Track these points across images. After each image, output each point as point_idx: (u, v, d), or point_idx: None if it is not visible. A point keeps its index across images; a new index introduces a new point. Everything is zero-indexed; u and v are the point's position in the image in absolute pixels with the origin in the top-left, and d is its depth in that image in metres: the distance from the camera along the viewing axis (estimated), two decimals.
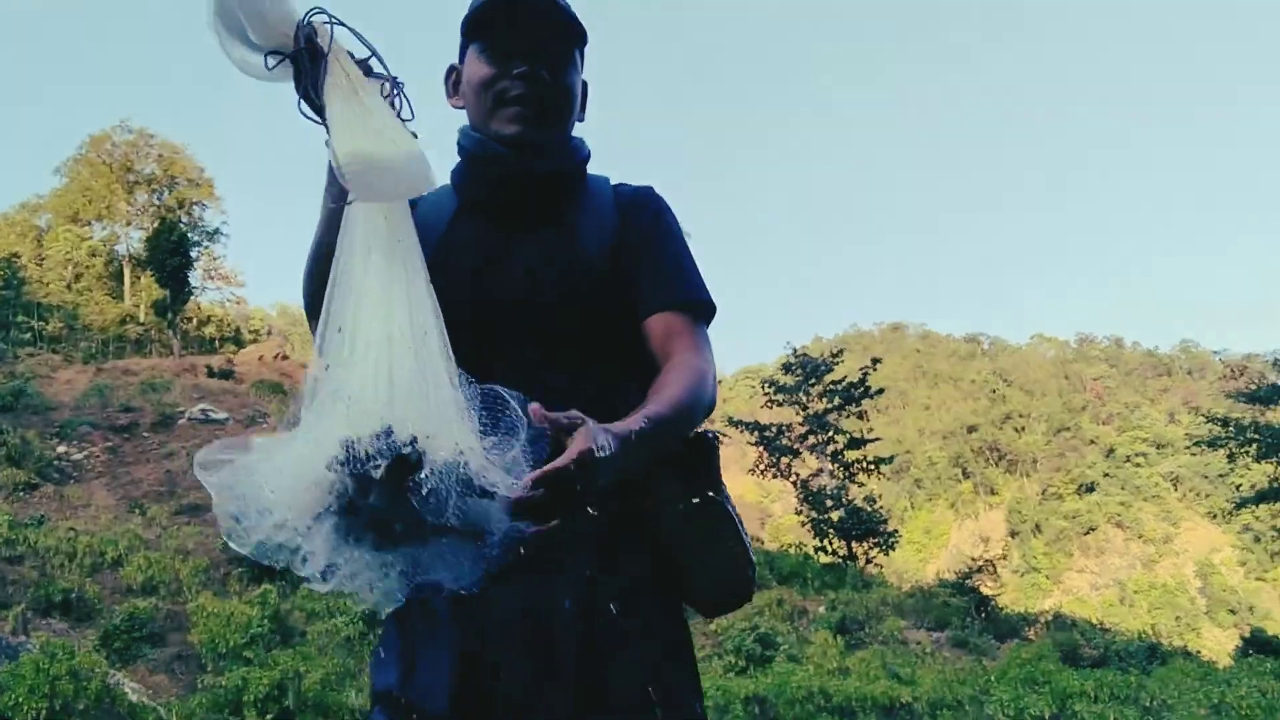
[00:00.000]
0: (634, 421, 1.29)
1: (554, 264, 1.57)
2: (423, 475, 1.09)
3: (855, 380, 28.45)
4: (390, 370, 1.18)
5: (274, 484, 1.14)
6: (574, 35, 1.64)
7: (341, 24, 1.31)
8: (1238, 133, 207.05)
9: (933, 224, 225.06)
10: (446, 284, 1.36)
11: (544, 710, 1.38)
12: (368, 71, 1.34)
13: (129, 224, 51.68)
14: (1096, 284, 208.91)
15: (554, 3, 1.60)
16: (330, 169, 1.32)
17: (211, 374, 31.48)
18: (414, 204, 1.50)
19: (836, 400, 28.53)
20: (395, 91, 1.35)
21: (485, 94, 1.60)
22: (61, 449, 20.90)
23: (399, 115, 1.33)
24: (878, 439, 30.85)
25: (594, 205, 1.67)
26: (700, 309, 1.63)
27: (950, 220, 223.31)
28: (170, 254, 39.33)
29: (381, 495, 1.09)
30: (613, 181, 1.75)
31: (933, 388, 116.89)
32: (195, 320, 51.45)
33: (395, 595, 1.23)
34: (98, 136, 50.42)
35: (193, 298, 46.34)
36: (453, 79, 1.72)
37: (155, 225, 43.91)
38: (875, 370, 29.00)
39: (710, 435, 1.59)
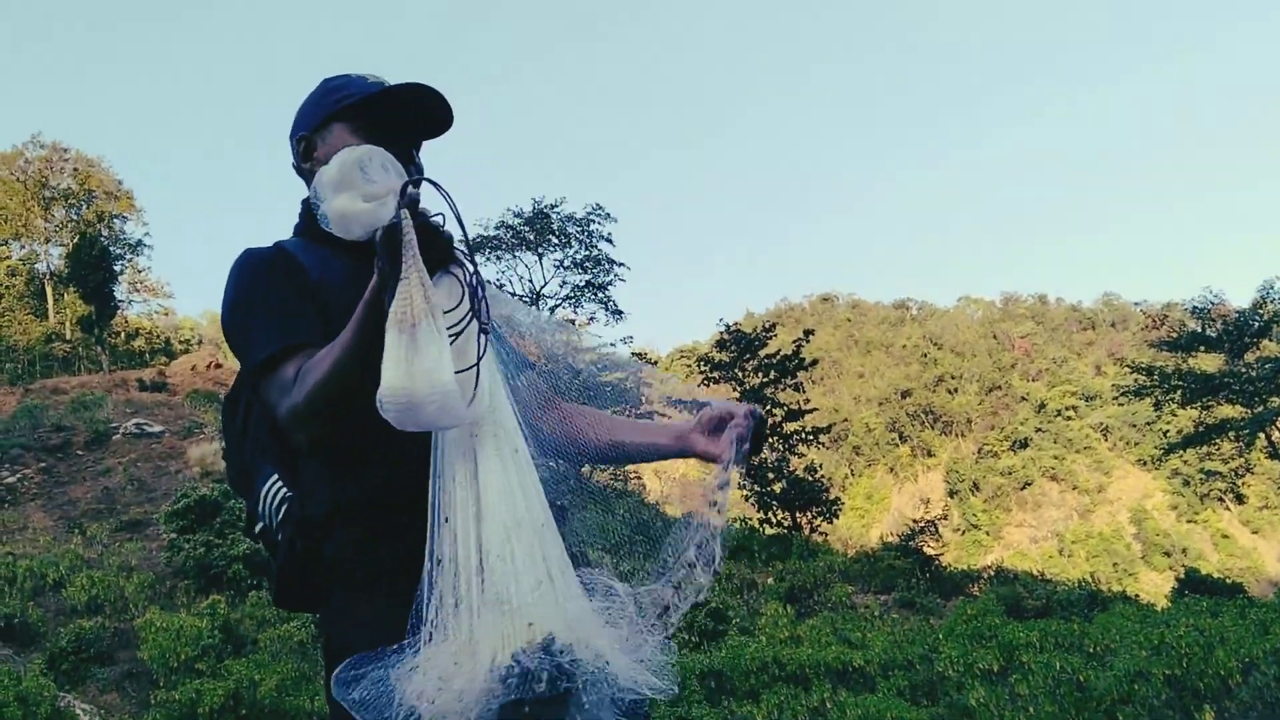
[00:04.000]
0: None
1: None
2: (578, 686, 1.25)
3: (789, 353, 28.73)
4: (520, 570, 1.34)
5: (434, 695, 1.25)
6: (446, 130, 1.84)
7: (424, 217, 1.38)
8: (1149, 84, 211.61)
9: (856, 194, 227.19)
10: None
11: None
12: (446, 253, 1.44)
13: (48, 241, 50.30)
14: (1019, 243, 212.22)
15: (446, 108, 1.80)
16: (369, 300, 1.39)
17: (144, 387, 30.91)
18: (299, 268, 1.66)
19: (772, 374, 28.79)
20: (473, 284, 1.46)
21: None
22: None
23: (472, 309, 1.45)
24: (815, 409, 31.18)
25: None
26: None
27: (874, 189, 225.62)
28: (93, 269, 38.49)
29: (543, 706, 1.24)
30: None
31: (865, 355, 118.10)
32: (123, 334, 50.27)
33: None
34: (9, 153, 48.92)
35: (119, 312, 45.35)
36: (303, 147, 1.82)
37: (75, 240, 42.84)
38: (808, 342, 29.35)
39: None
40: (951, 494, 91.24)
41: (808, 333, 29.95)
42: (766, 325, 31.05)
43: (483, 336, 1.44)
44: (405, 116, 1.78)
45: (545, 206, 30.61)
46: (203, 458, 21.32)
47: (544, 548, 1.39)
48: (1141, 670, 8.08)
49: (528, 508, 1.40)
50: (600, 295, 29.72)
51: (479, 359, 1.43)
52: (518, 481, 1.42)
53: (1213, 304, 29.92)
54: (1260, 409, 26.22)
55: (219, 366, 37.99)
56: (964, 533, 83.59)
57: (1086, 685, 7.97)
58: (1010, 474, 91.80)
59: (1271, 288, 28.38)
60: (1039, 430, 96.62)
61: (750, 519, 26.45)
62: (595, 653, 1.29)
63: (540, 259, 31.31)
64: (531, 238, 30.89)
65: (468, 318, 1.43)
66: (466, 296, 1.45)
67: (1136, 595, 21.84)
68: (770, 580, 18.44)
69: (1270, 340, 30.44)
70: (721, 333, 30.48)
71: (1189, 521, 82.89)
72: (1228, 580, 22.57)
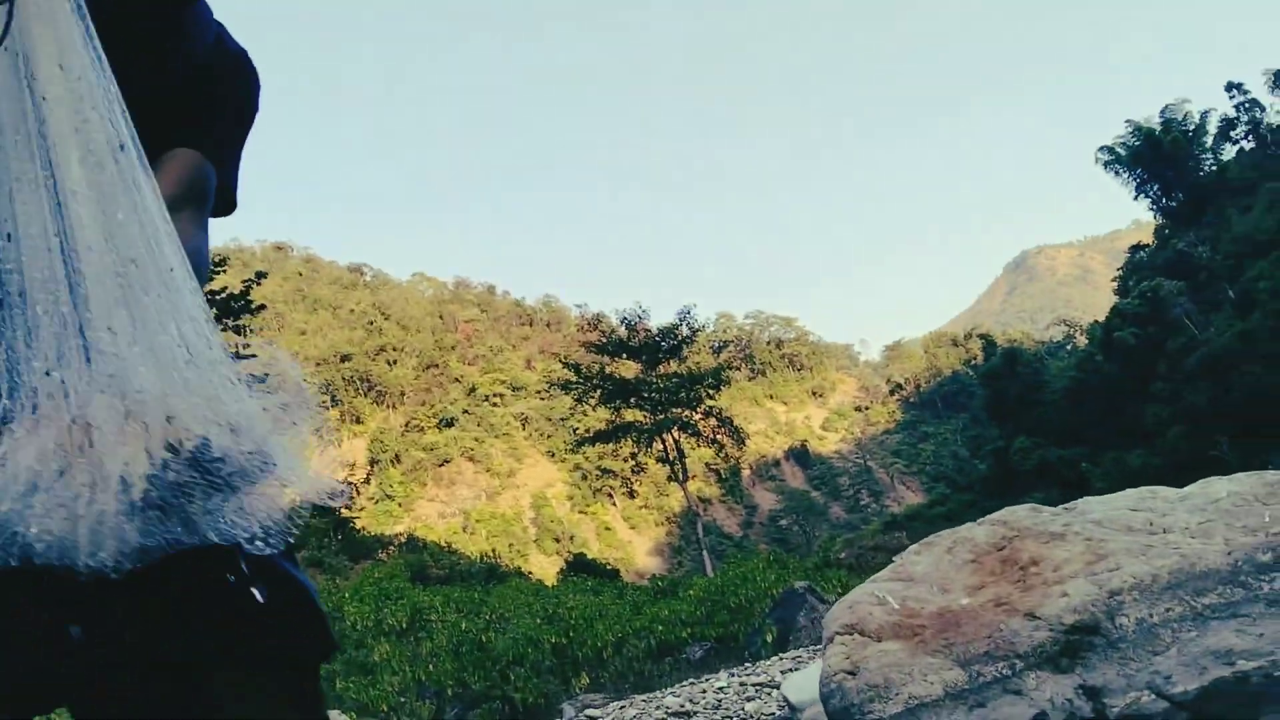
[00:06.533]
0: None
1: None
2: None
3: (236, 293, 27.38)
4: (142, 334, 0.87)
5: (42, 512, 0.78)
6: None
7: None
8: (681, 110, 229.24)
9: (322, 148, 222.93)
10: None
11: None
12: None
13: None
14: (475, 231, 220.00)
15: None
16: None
17: None
18: None
19: (214, 311, 27.24)
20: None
21: None
22: None
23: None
24: (253, 357, 29.96)
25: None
26: None
27: (337, 147, 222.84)
28: None
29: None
30: None
31: (312, 313, 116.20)
32: None
33: None
34: None
35: None
36: None
37: None
38: (259, 285, 28.16)
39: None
40: (373, 462, 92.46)
41: (260, 275, 28.71)
42: (215, 260, 29.29)
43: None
44: None
45: None
46: None
47: (176, 301, 0.90)
48: (533, 636, 8.69)
49: (148, 239, 0.88)
50: None
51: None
52: (127, 196, 0.89)
53: (639, 319, 33.18)
54: (661, 417, 29.50)
55: None
56: (378, 501, 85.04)
57: (486, 645, 8.41)
58: (432, 450, 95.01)
59: (688, 314, 31.99)
60: (466, 412, 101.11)
61: None
62: (263, 457, 0.88)
63: None
64: None
65: None
66: None
67: (530, 572, 23.59)
68: None
69: (677, 360, 34.32)
70: None
71: (580, 512, 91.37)
72: (607, 566, 25.09)
